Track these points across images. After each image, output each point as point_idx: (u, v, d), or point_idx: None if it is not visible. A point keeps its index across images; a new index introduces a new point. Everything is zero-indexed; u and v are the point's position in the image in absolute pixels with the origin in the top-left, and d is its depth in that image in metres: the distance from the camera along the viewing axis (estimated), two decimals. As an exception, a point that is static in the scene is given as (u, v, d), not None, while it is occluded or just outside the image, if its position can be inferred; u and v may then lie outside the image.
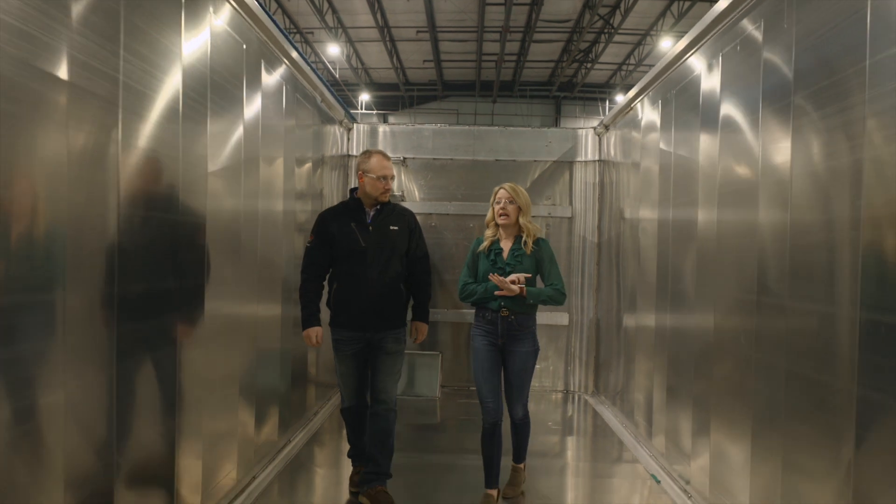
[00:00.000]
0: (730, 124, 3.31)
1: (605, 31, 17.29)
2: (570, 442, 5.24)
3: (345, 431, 3.94)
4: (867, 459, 2.18)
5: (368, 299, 3.61)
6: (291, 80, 4.35)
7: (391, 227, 3.69)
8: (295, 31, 17.73)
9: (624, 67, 20.60)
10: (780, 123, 2.77)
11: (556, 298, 3.60)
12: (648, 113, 4.84)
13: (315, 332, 3.66)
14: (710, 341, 3.48)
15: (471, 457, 4.11)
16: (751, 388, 2.98)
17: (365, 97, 22.69)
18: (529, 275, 3.55)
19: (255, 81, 3.63)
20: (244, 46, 3.44)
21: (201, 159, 2.92)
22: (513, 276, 3.49)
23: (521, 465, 3.84)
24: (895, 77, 2.06)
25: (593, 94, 23.09)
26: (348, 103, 21.10)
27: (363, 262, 3.61)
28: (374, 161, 3.66)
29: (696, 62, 3.82)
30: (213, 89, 3.02)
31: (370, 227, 3.67)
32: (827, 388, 2.39)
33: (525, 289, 3.51)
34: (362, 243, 3.63)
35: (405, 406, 5.94)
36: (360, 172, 3.71)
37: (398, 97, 23.73)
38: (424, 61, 20.73)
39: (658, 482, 3.99)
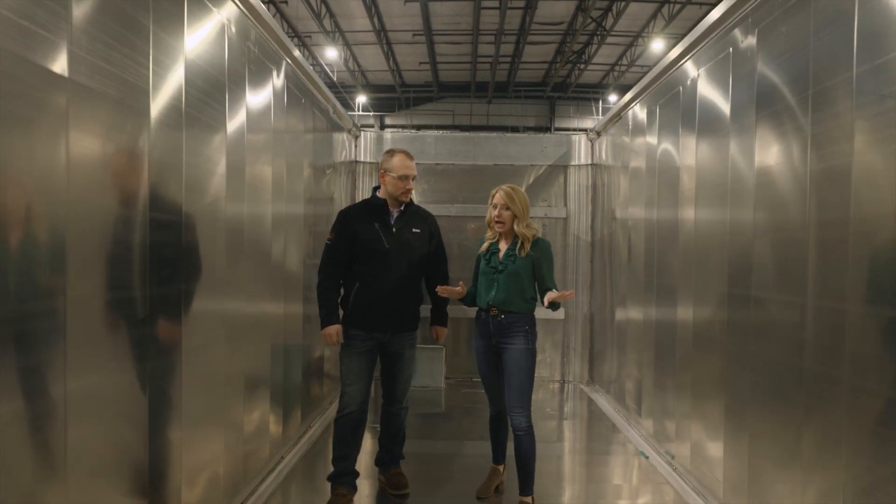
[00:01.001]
0: (706, 132, 3.71)
1: (598, 33, 17.66)
2: (568, 425, 5.64)
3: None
4: (824, 432, 2.56)
5: (389, 302, 3.60)
6: (310, 96, 4.74)
7: (414, 230, 3.70)
8: (294, 35, 18.06)
9: (617, 68, 20.99)
10: (748, 132, 3.16)
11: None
12: (637, 121, 5.24)
13: (336, 330, 3.61)
14: (691, 331, 3.88)
15: (475, 442, 4.50)
16: (725, 372, 3.38)
17: (362, 99, 23.02)
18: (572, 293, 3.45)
19: (280, 100, 4.01)
20: (274, 71, 3.82)
21: (239, 164, 3.30)
22: (556, 295, 3.41)
23: (530, 499, 3.56)
24: (833, 105, 2.45)
25: (587, 95, 23.46)
26: (346, 105, 21.43)
27: (386, 264, 3.59)
28: (397, 160, 3.62)
29: (681, 75, 4.21)
30: (249, 110, 3.41)
31: (394, 229, 3.64)
32: (786, 368, 2.78)
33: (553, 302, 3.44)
34: (386, 245, 3.60)
35: (413, 396, 6.33)
36: (382, 171, 3.67)
37: (395, 99, 24.06)
38: (420, 63, 21.07)
39: (646, 458, 4.40)
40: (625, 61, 20.07)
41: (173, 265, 2.61)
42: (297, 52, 4.17)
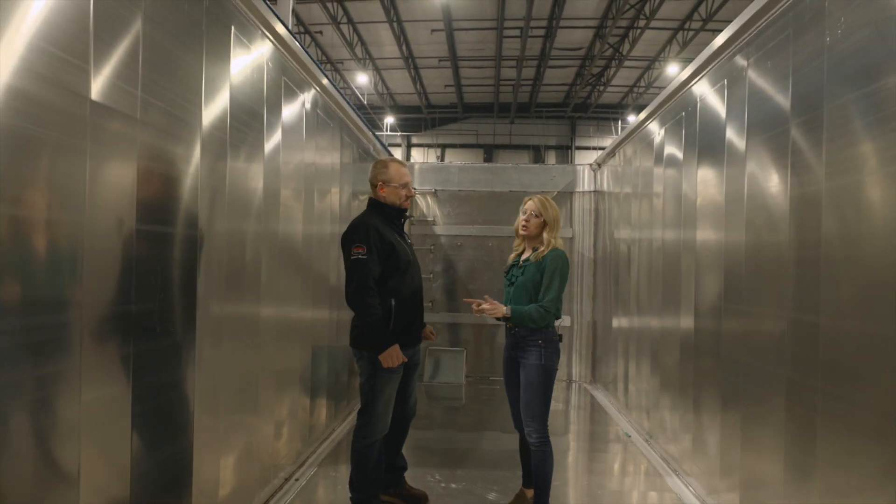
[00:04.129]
0: (672, 169, 4.67)
1: (616, 58, 18.59)
2: (572, 414, 6.59)
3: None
4: (738, 412, 3.43)
5: (420, 315, 3.56)
6: (358, 142, 5.84)
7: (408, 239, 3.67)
8: (327, 61, 19.28)
9: (635, 89, 21.81)
10: (716, 168, 4.12)
11: (534, 317, 3.35)
12: (629, 157, 6.21)
13: (398, 351, 3.34)
14: (662, 338, 4.81)
15: (491, 433, 5.46)
16: (684, 369, 4.31)
17: (390, 120, 24.17)
18: (502, 309, 3.38)
19: (336, 145, 5.08)
20: (331, 125, 4.90)
21: (309, 193, 4.35)
22: (488, 306, 3.42)
23: (530, 492, 3.60)
24: (791, 143, 3.33)
25: (606, 115, 24.24)
26: (374, 126, 22.54)
27: (412, 276, 3.48)
28: (393, 170, 3.49)
29: (653, 127, 5.18)
30: (318, 152, 4.48)
31: (408, 239, 3.59)
32: (741, 370, 3.70)
33: (511, 308, 3.40)
34: (410, 255, 3.49)
35: (438, 389, 7.34)
36: (379, 184, 3.48)
37: (421, 119, 25.13)
38: (446, 86, 22.12)
39: (629, 437, 5.34)
40: (643, 83, 20.93)
41: (238, 278, 3.45)
42: (352, 114, 5.26)
